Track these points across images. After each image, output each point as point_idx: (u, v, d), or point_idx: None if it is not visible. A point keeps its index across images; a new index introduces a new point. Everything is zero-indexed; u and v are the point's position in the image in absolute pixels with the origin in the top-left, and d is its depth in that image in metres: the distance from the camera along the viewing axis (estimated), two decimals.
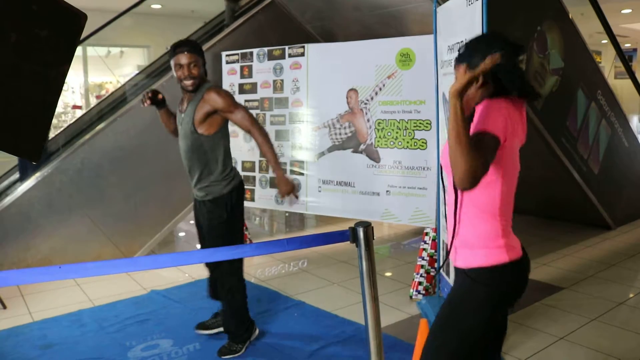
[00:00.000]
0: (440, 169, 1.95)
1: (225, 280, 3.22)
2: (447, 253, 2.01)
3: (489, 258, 1.79)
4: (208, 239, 3.22)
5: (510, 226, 1.83)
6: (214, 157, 3.11)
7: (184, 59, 3.00)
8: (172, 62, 3.07)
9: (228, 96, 3.07)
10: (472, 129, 1.70)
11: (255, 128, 3.09)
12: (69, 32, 1.37)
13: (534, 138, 4.90)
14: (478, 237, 1.81)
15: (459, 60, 1.84)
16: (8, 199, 4.72)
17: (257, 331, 3.43)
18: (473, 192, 1.75)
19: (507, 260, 1.78)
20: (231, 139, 5.31)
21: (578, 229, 6.04)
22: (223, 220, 3.14)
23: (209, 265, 3.35)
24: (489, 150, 1.64)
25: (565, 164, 5.26)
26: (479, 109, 1.77)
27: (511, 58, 1.75)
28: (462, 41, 3.35)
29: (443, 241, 3.79)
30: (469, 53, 1.81)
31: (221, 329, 3.45)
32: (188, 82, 3.03)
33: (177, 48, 3.04)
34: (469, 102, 1.80)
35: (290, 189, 3.03)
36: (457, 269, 1.92)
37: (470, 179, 1.57)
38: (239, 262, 3.26)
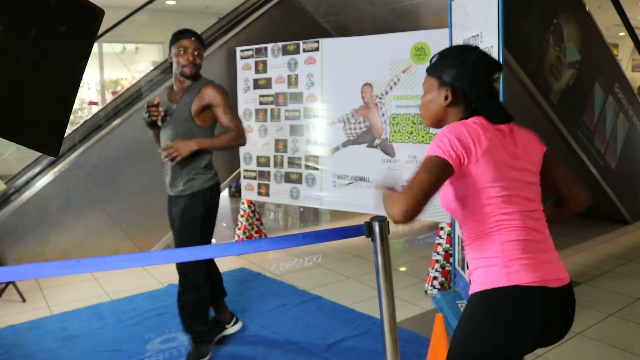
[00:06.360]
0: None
1: (190, 280, 3.08)
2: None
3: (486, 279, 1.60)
4: (178, 238, 3.08)
5: (528, 245, 1.60)
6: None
7: (190, 44, 2.99)
8: (173, 48, 3.02)
9: (226, 95, 3.05)
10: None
11: (237, 130, 3.00)
12: (87, 27, 1.38)
13: (550, 132, 4.86)
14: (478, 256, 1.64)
15: (430, 72, 1.71)
16: (26, 194, 4.79)
17: (239, 324, 3.39)
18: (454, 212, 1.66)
19: (506, 284, 1.56)
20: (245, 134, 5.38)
21: (595, 224, 5.98)
22: (200, 215, 3.04)
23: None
24: (427, 177, 1.51)
25: (582, 158, 5.22)
26: None
27: (484, 76, 1.64)
28: (477, 34, 3.33)
29: (458, 236, 3.78)
30: (442, 66, 1.68)
31: (230, 329, 3.43)
32: (189, 68, 2.99)
33: (182, 34, 3.03)
34: (443, 121, 1.70)
35: (170, 151, 2.90)
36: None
37: (402, 216, 1.48)
38: (205, 262, 3.12)
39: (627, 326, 3.50)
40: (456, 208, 1.66)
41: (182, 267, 3.09)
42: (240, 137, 3.02)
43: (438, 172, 1.52)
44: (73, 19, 1.31)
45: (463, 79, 1.64)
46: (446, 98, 1.66)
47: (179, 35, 3.03)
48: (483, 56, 1.67)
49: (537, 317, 1.57)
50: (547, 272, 1.60)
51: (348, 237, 2.10)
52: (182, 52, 2.99)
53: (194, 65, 3.01)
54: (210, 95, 3.00)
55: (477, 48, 1.71)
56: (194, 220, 3.04)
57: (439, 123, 1.72)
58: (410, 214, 1.48)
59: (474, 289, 1.65)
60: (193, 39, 3.02)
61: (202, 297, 3.14)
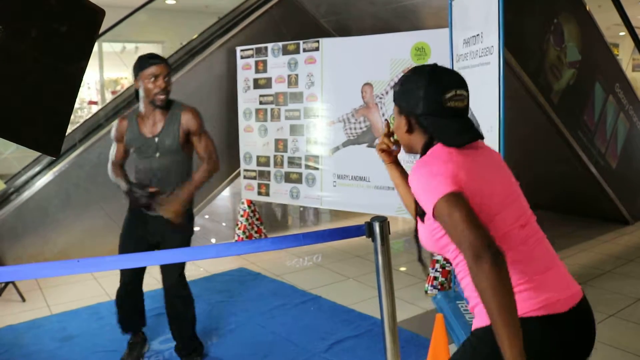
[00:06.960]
0: None
1: (180, 292, 3.13)
2: None
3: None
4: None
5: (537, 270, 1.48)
6: (189, 174, 3.02)
7: (160, 70, 2.85)
8: (142, 74, 2.85)
9: (201, 119, 2.99)
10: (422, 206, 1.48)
11: (210, 159, 2.98)
12: (87, 27, 1.38)
13: (550, 132, 4.86)
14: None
15: (393, 98, 1.67)
16: (26, 194, 4.78)
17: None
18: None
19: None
20: (246, 134, 5.39)
21: (595, 224, 5.97)
22: (190, 234, 3.09)
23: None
24: (462, 213, 1.33)
25: (583, 158, 5.21)
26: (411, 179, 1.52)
27: (437, 99, 1.52)
28: (478, 34, 3.33)
29: None
30: (399, 93, 1.62)
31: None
32: (162, 97, 2.86)
33: (150, 59, 2.88)
34: (412, 148, 1.66)
35: (172, 215, 2.90)
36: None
37: (474, 253, 1.28)
38: (184, 271, 3.16)
39: (627, 326, 3.50)
40: (446, 243, 1.52)
41: (172, 285, 3.14)
42: (216, 168, 3.01)
43: (460, 203, 1.36)
44: (73, 19, 1.31)
45: (416, 106, 1.56)
46: (405, 125, 1.62)
47: (147, 62, 2.87)
48: (436, 77, 1.56)
49: (542, 350, 1.42)
50: (553, 293, 1.47)
51: (348, 237, 2.10)
52: (152, 79, 2.84)
53: (166, 93, 2.88)
54: (189, 121, 2.93)
55: (430, 68, 1.59)
56: (185, 240, 3.06)
57: (409, 149, 1.69)
58: (483, 244, 1.28)
59: (475, 324, 1.55)
60: (163, 64, 2.88)
61: (193, 307, 3.21)
